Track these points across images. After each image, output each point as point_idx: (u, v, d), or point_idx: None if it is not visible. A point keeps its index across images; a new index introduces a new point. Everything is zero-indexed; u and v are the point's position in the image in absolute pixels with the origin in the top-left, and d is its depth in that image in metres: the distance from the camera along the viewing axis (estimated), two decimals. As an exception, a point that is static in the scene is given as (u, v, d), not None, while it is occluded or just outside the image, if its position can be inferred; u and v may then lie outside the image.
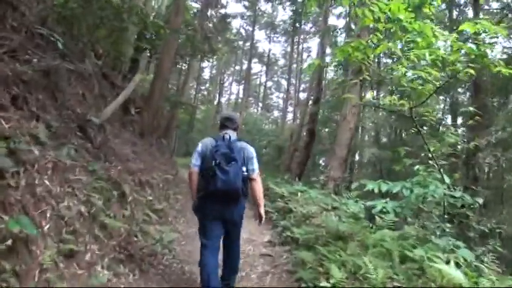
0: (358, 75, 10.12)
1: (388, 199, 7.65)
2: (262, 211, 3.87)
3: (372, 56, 5.80)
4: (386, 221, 6.08)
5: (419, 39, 5.09)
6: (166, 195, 8.35)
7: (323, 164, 27.21)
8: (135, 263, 4.54)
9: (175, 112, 18.24)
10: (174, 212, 8.01)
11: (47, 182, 3.74)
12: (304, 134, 17.36)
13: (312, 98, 17.28)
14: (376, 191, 7.48)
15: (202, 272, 3.75)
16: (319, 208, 7.25)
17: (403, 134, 15.76)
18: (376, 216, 6.49)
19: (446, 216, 7.05)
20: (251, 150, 3.81)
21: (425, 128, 9.21)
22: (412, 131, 7.39)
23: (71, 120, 6.02)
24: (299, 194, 8.38)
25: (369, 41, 5.79)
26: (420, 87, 5.49)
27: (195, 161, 3.76)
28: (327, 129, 23.21)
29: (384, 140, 19.07)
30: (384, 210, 6.91)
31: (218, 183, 3.42)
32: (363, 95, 9.69)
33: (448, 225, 5.44)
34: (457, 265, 4.13)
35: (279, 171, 18.98)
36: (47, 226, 3.39)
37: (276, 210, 8.49)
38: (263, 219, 3.96)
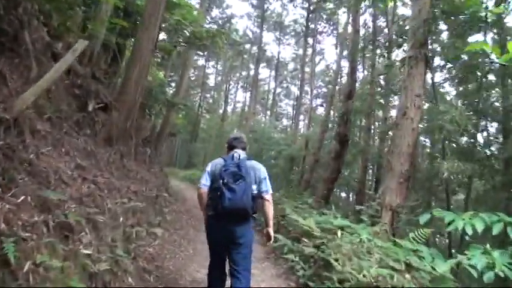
0: (422, 49, 7.11)
1: (487, 246, 4.86)
2: (271, 231, 3.79)
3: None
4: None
5: None
6: (130, 236, 5.35)
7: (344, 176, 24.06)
8: None
9: (169, 115, 15.34)
10: (138, 264, 4.99)
11: None
12: (332, 141, 14.29)
13: (342, 92, 13.96)
14: (468, 231, 4.69)
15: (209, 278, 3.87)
16: (382, 265, 4.21)
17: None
18: None
19: None
20: (263, 170, 3.76)
21: None
22: None
23: None
24: (339, 232, 5.31)
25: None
26: None
27: (205, 181, 3.73)
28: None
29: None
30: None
31: (225, 202, 3.37)
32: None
33: None
34: None
35: (293, 187, 15.90)
36: None
37: (301, 258, 5.46)
38: (272, 239, 3.82)
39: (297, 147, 21.95)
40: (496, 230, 4.47)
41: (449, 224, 4.70)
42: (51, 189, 4.19)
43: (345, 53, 21.88)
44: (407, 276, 3.93)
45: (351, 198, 30.48)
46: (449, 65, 13.02)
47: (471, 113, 11.94)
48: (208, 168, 3.79)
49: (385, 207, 6.99)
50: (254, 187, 3.63)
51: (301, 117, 36.41)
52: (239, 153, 3.79)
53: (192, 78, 49.90)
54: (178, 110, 16.35)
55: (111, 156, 7.28)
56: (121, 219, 5.26)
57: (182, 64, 18.80)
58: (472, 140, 12.98)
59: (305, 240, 5.74)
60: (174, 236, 7.44)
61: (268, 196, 3.70)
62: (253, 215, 3.70)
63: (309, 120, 25.92)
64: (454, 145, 12.70)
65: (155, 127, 17.24)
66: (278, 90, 45.75)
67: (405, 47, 12.16)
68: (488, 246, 4.63)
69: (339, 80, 24.31)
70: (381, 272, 3.86)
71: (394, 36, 14.54)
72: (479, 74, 12.30)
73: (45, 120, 5.66)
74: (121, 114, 7.60)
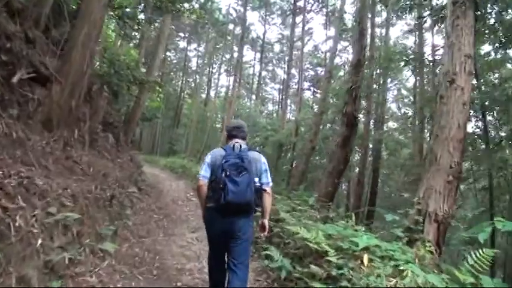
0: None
1: None
2: (266, 223, 3.73)
3: None
4: None
5: None
6: (58, 264, 3.59)
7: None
8: None
9: (141, 97, 13.38)
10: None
11: None
12: (326, 125, 12.28)
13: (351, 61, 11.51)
14: None
15: (209, 279, 3.77)
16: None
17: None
18: None
19: None
20: (264, 161, 3.63)
21: None
22: None
23: None
24: (366, 258, 3.62)
25: None
26: None
27: (204, 172, 3.53)
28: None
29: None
30: None
31: (229, 195, 3.22)
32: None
33: None
34: None
35: (284, 179, 14.16)
36: None
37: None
38: (266, 230, 3.78)
39: (285, 133, 20.12)
40: None
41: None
42: None
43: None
44: None
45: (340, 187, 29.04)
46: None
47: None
48: (208, 159, 3.60)
49: (428, 217, 5.17)
50: (256, 180, 3.49)
51: (288, 101, 34.53)
52: (240, 144, 3.63)
53: (174, 61, 47.78)
54: (152, 89, 14.37)
55: (50, 144, 5.47)
56: (39, 241, 3.48)
57: (156, 38, 16.76)
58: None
59: (309, 263, 4.04)
60: (135, 248, 5.68)
61: (268, 188, 3.59)
62: (256, 209, 3.59)
63: (299, 103, 24.03)
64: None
65: (128, 110, 15.37)
66: (263, 73, 43.76)
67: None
68: None
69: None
70: None
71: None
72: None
73: None
74: (64, 89, 5.76)
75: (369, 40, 13.90)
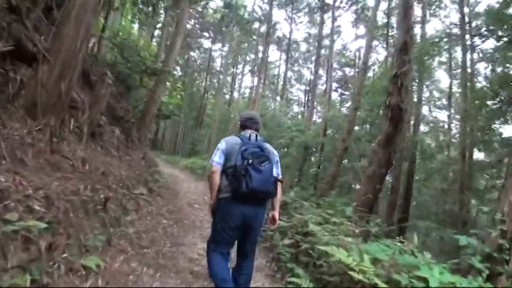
0: None
1: None
2: (277, 215, 3.61)
3: None
4: None
5: None
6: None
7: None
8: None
9: (156, 90, 12.44)
10: None
11: None
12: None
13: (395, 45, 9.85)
14: None
15: (214, 275, 3.37)
16: None
17: None
18: None
19: None
20: (276, 153, 3.63)
21: None
22: None
23: None
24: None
25: None
26: None
27: (219, 158, 3.36)
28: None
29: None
30: None
31: (253, 182, 3.11)
32: None
33: None
34: None
35: (312, 183, 13.01)
36: None
37: None
38: (277, 223, 3.67)
39: (312, 133, 18.83)
40: None
41: None
42: None
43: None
44: None
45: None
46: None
47: None
48: (223, 145, 3.41)
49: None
50: (274, 170, 3.40)
51: (314, 103, 33.36)
52: (255, 134, 3.55)
53: (198, 61, 47.32)
54: (167, 81, 13.42)
55: (32, 134, 4.54)
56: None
57: (174, 27, 15.87)
58: None
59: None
60: (132, 262, 4.66)
61: (281, 178, 3.58)
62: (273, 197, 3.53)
63: (328, 101, 22.70)
64: None
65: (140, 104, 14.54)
66: (289, 74, 42.55)
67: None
68: None
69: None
70: None
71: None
72: None
73: None
74: (53, 70, 4.82)
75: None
